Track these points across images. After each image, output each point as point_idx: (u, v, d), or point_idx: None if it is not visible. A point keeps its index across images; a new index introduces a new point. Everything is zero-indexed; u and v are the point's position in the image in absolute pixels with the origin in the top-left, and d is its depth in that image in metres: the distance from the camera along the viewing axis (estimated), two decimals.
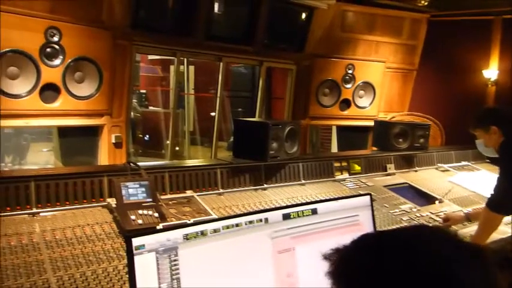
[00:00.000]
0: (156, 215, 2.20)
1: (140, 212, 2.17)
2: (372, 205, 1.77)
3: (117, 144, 3.72)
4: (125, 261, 1.90)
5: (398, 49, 5.02)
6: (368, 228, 1.72)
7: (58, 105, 3.36)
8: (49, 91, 3.31)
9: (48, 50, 3.26)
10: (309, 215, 1.62)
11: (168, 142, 5.08)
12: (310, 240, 1.57)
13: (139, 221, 2.12)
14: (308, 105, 4.85)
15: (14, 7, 3.04)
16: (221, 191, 2.77)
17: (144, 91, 8.52)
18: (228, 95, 7.37)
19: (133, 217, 2.12)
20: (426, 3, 4.45)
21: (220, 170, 2.80)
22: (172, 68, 8.46)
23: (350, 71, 4.83)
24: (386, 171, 3.59)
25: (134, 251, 1.16)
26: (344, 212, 1.70)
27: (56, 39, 3.26)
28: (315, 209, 1.64)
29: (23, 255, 1.81)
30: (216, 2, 4.07)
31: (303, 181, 3.15)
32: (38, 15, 3.16)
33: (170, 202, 2.49)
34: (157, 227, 2.13)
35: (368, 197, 1.77)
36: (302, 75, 4.81)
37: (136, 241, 1.17)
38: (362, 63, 4.87)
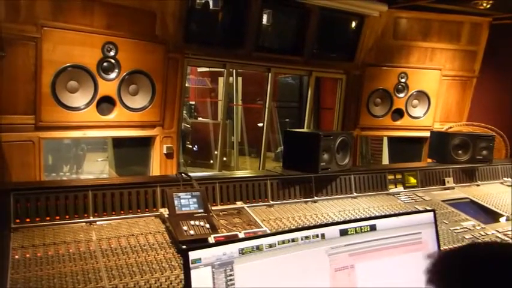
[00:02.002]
0: (208, 226, 2.20)
1: (192, 222, 2.17)
2: (435, 222, 1.65)
3: (169, 155, 3.79)
4: (177, 271, 1.91)
5: (456, 55, 4.78)
6: (432, 248, 1.61)
7: (113, 117, 3.48)
8: (105, 103, 3.45)
9: (105, 64, 3.39)
10: (367, 231, 1.54)
11: (216, 152, 5.13)
12: (369, 258, 1.48)
13: (191, 232, 2.12)
14: (358, 116, 4.72)
15: (74, 24, 3.21)
16: (271, 202, 2.73)
17: (193, 102, 8.72)
18: (276, 106, 7.36)
19: (185, 228, 2.13)
20: (488, 6, 4.19)
21: (271, 182, 2.77)
22: (221, 79, 8.64)
23: (403, 80, 4.65)
24: (444, 184, 3.39)
25: (191, 265, 1.14)
26: (405, 229, 1.60)
27: (112, 53, 3.39)
28: (374, 225, 1.55)
29: (80, 263, 1.86)
30: (265, 14, 4.08)
31: (355, 194, 3.05)
32: (96, 32, 3.31)
33: (221, 213, 2.49)
34: (209, 238, 2.12)
35: (431, 213, 1.65)
36: (352, 85, 4.69)
37: (193, 255, 1.16)
38: (416, 71, 4.68)
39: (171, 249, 2.07)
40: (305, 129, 4.55)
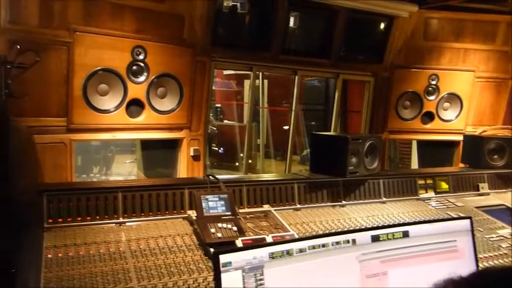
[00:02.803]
0: (235, 228, 2.19)
1: (219, 225, 2.17)
2: (472, 230, 1.59)
3: (195, 157, 3.82)
4: (205, 274, 1.91)
5: (490, 56, 4.61)
6: (468, 256, 1.54)
7: (142, 120, 3.53)
8: (134, 106, 3.50)
9: (134, 67, 3.45)
10: (400, 237, 1.49)
11: (242, 155, 5.13)
12: (402, 266, 1.44)
13: (219, 235, 2.12)
14: (387, 119, 4.62)
15: (105, 29, 3.28)
16: (298, 206, 2.72)
17: (219, 105, 8.77)
18: (302, 108, 7.31)
19: (213, 230, 2.13)
20: None
21: (298, 185, 2.75)
22: (246, 82, 8.66)
23: (434, 82, 4.53)
24: (478, 190, 3.27)
25: (221, 268, 1.14)
26: (439, 237, 1.55)
27: (141, 57, 3.45)
28: (407, 231, 1.50)
29: (110, 263, 1.89)
30: (292, 17, 4.06)
31: (384, 199, 2.99)
32: (125, 36, 3.37)
33: (248, 216, 2.48)
34: (236, 241, 2.11)
35: (468, 220, 1.59)
36: (380, 87, 4.60)
37: (223, 258, 1.15)
38: (447, 73, 4.54)
39: (198, 251, 2.08)
40: (332, 132, 4.50)
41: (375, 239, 1.45)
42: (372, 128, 4.72)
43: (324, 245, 1.35)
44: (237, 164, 7.40)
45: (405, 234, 1.50)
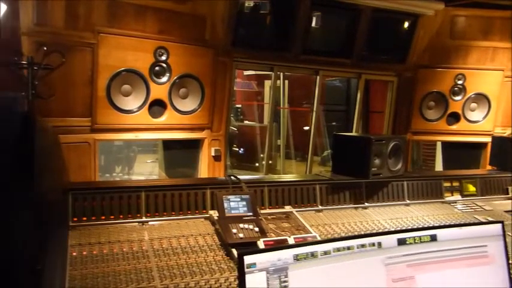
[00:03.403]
0: (257, 229, 2.18)
1: (241, 225, 2.17)
2: (504, 235, 1.53)
3: (216, 157, 3.83)
4: (226, 274, 1.90)
5: None
6: (499, 263, 1.49)
7: (164, 120, 3.56)
8: (156, 106, 3.53)
9: (157, 68, 3.48)
10: (427, 241, 1.45)
11: (262, 155, 5.12)
12: (430, 270, 1.40)
13: (241, 235, 2.12)
14: (410, 119, 4.53)
15: (128, 30, 3.32)
16: (320, 207, 2.69)
17: (239, 106, 8.79)
18: (323, 109, 7.25)
19: (234, 230, 2.13)
20: None
21: (320, 186, 2.73)
22: (267, 82, 8.65)
23: (460, 82, 4.41)
24: (508, 194, 3.17)
25: (245, 269, 1.13)
26: (469, 241, 1.49)
27: (163, 58, 3.48)
28: (435, 235, 1.46)
29: (133, 262, 1.91)
30: (314, 16, 4.03)
31: (408, 201, 2.93)
32: (148, 37, 3.40)
33: (269, 217, 2.47)
34: (258, 242, 2.10)
35: (499, 225, 1.53)
36: (404, 88, 4.52)
37: (248, 259, 1.14)
38: (474, 73, 4.41)
39: (220, 252, 2.07)
40: (355, 133, 4.44)
41: (401, 242, 1.41)
42: (395, 129, 4.64)
43: (349, 248, 1.32)
44: (256, 164, 7.39)
45: (433, 238, 1.45)
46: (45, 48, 2.63)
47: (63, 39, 3.03)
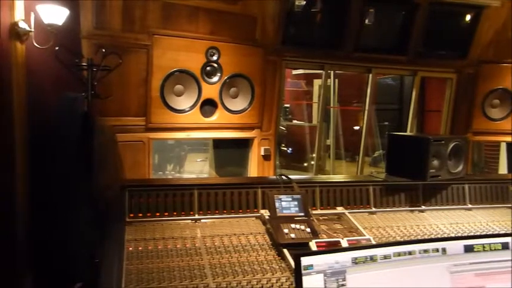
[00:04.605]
0: (308, 230, 2.14)
1: (293, 226, 2.13)
2: None
3: (266, 157, 3.82)
4: (278, 274, 1.88)
5: None
6: None
7: (215, 119, 3.61)
8: (208, 106, 3.59)
9: (208, 68, 3.53)
10: (498, 249, 1.34)
11: (312, 155, 5.04)
12: (501, 281, 1.29)
13: (292, 235, 2.08)
14: (471, 119, 4.27)
15: (181, 31, 3.39)
16: (373, 209, 2.60)
17: (287, 105, 8.74)
18: (375, 108, 7.02)
19: (286, 230, 2.10)
20: None
21: (373, 188, 2.63)
22: (316, 81, 8.53)
23: None
24: None
25: (303, 271, 1.10)
26: None
27: (215, 58, 3.52)
28: (507, 243, 1.34)
29: (187, 259, 1.93)
30: (367, 13, 3.90)
31: (469, 205, 2.75)
32: (200, 37, 3.46)
33: (320, 218, 2.42)
34: (310, 243, 2.06)
35: None
36: (464, 85, 4.27)
37: (305, 260, 1.11)
38: None
39: (271, 251, 2.05)
40: (411, 133, 4.26)
41: (469, 249, 1.32)
42: (454, 129, 4.41)
43: (410, 253, 1.25)
44: (305, 164, 7.31)
45: (505, 246, 1.34)
46: (103, 50, 2.74)
47: (120, 41, 3.15)
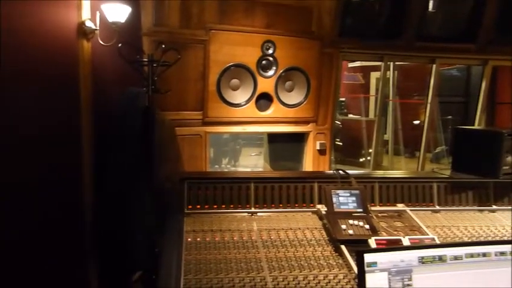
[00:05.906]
0: (367, 227, 2.06)
1: (351, 222, 2.07)
2: None
3: (321, 151, 3.76)
4: (335, 271, 1.83)
5: None
6: None
7: (270, 113, 3.60)
8: (263, 100, 3.59)
9: (264, 62, 3.52)
10: None
11: (370, 150, 4.89)
12: None
13: (350, 231, 2.02)
14: None
15: (237, 26, 3.41)
16: (437, 207, 2.45)
17: (343, 99, 8.53)
18: (438, 101, 6.65)
19: (343, 226, 2.03)
20: None
21: (437, 185, 2.48)
22: (373, 74, 8.24)
23: None
24: None
25: (366, 268, 1.05)
26: None
27: (270, 51, 3.51)
28: None
29: (243, 251, 1.94)
30: (431, 0, 3.69)
31: None
32: (256, 31, 3.46)
33: (379, 214, 2.32)
34: (369, 241, 1.98)
35: None
36: None
37: (368, 257, 1.06)
38: None
39: (328, 247, 2.00)
40: (481, 127, 3.99)
41: None
42: None
43: (484, 255, 1.15)
44: (361, 160, 7.11)
45: None
46: (163, 46, 2.82)
47: (179, 37, 3.23)
